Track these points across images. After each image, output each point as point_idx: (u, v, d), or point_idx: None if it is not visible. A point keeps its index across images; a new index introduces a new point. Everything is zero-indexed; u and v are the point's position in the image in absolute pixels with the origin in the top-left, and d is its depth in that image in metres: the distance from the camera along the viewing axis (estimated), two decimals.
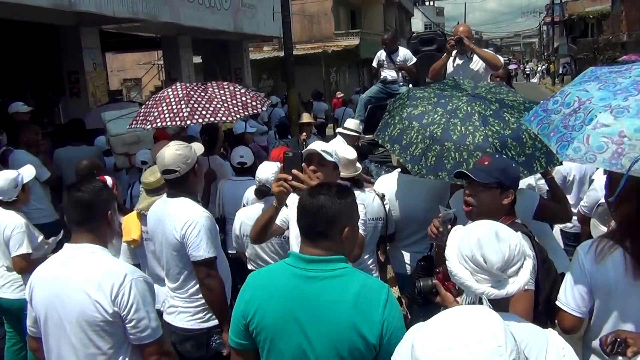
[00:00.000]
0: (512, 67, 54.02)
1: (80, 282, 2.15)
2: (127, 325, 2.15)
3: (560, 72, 39.88)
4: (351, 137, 5.65)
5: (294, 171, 2.51)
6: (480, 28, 60.85)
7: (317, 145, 2.75)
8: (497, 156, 2.66)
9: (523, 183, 3.54)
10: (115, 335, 2.17)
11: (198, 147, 3.15)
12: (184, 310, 2.95)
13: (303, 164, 2.55)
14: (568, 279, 2.22)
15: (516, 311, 1.88)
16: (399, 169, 3.82)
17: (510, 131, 3.02)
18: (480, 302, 1.62)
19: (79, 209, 2.24)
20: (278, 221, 2.92)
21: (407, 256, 3.68)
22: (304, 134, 7.68)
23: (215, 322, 2.91)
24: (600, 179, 3.77)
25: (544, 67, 51.82)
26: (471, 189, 2.46)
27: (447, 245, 1.71)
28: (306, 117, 8.33)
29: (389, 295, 1.86)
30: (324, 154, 2.68)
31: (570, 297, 2.18)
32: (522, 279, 1.62)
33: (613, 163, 1.84)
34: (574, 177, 4.43)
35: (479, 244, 1.61)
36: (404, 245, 3.71)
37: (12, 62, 11.04)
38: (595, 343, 2.08)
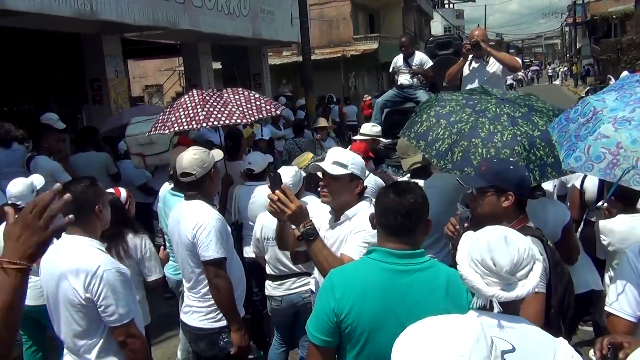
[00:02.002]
0: (534, 68, 53.65)
1: (64, 269, 2.46)
2: (99, 310, 2.43)
3: (583, 73, 39.35)
4: (368, 141, 5.68)
5: (277, 192, 2.54)
6: (501, 30, 60.60)
7: (329, 158, 2.71)
8: (495, 160, 2.69)
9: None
10: (91, 316, 2.46)
11: (217, 154, 3.29)
12: (197, 310, 3.06)
13: (285, 185, 2.60)
14: (618, 283, 2.18)
15: (527, 314, 1.90)
16: (408, 175, 3.85)
17: (539, 132, 3.03)
18: (491, 305, 1.65)
19: (69, 205, 2.42)
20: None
21: None
22: (319, 135, 7.85)
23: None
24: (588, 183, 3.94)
25: (566, 68, 51.17)
26: (471, 195, 2.53)
27: (457, 250, 1.75)
28: (322, 122, 8.48)
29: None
30: (331, 169, 2.65)
31: (624, 301, 2.15)
32: (531, 282, 1.64)
33: (607, 173, 1.93)
34: (573, 186, 4.39)
35: (488, 248, 1.64)
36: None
37: (37, 71, 11.30)
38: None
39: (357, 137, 5.98)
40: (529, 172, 2.82)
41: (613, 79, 7.90)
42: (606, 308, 2.22)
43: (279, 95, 15.62)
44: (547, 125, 3.01)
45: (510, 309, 1.70)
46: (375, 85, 25.82)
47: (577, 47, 45.06)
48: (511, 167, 2.53)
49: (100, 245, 2.58)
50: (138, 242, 3.50)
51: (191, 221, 2.94)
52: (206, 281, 2.97)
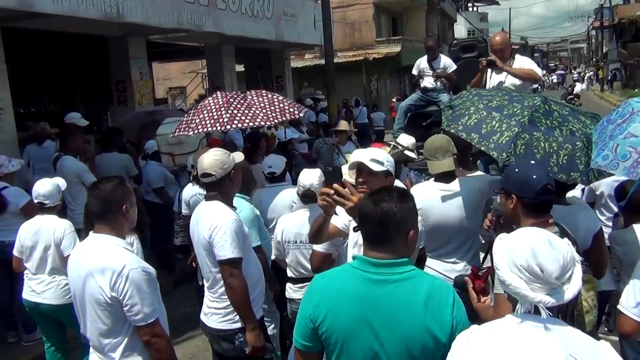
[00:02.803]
0: (559, 72, 52.88)
1: (91, 267, 2.48)
2: (124, 309, 2.44)
3: (610, 78, 38.67)
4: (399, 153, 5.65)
5: (335, 186, 2.57)
6: (525, 33, 59.80)
7: (365, 155, 2.76)
8: (514, 161, 2.67)
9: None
10: (116, 315, 2.46)
11: (238, 156, 3.32)
12: (215, 312, 3.08)
13: (345, 179, 2.60)
14: (635, 283, 2.21)
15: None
16: (432, 178, 3.80)
17: (591, 130, 2.98)
18: (537, 311, 1.60)
19: (97, 203, 2.57)
20: (340, 224, 2.96)
21: (439, 265, 3.58)
22: (337, 139, 7.81)
23: None
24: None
25: (592, 73, 50.34)
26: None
27: (494, 254, 1.69)
28: (343, 125, 8.43)
29: (455, 295, 1.92)
30: (371, 165, 2.71)
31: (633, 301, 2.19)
32: (575, 285, 1.59)
33: (631, 171, 1.89)
34: (602, 193, 4.29)
35: (533, 253, 1.59)
36: (436, 255, 3.60)
37: (64, 72, 11.52)
38: None
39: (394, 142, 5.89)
40: (588, 168, 2.77)
41: None
42: (619, 307, 2.25)
43: (309, 96, 15.69)
44: (593, 123, 3.01)
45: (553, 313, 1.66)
46: (397, 88, 25.72)
47: (604, 51, 44.30)
48: (516, 170, 2.51)
49: (126, 244, 2.60)
50: (128, 238, 3.64)
51: (208, 221, 2.97)
52: (222, 281, 2.99)
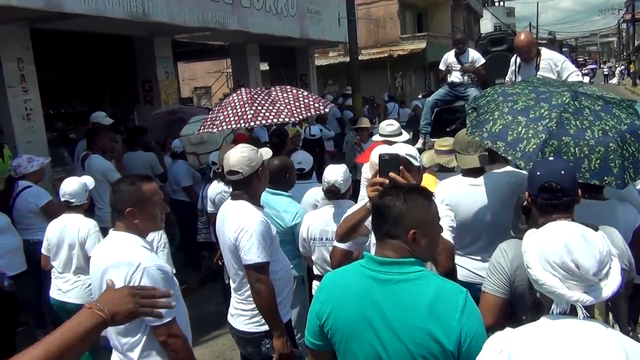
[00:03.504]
0: (591, 67, 51.83)
1: (106, 264, 2.44)
2: None
3: None
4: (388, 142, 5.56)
5: (392, 174, 2.43)
6: (553, 28, 58.60)
7: (401, 149, 2.71)
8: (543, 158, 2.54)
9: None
10: None
11: (265, 152, 3.20)
12: (242, 313, 3.02)
13: (401, 167, 2.47)
14: None
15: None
16: (460, 173, 3.68)
17: (625, 126, 2.81)
18: (573, 310, 1.48)
19: (114, 201, 2.54)
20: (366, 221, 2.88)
21: (468, 263, 3.47)
22: (358, 136, 7.73)
23: None
24: None
25: (623, 67, 49.11)
26: None
27: (524, 252, 1.59)
28: (364, 122, 8.40)
29: (467, 300, 1.79)
30: (410, 159, 2.67)
31: None
32: (614, 281, 1.48)
33: None
34: None
35: (567, 249, 1.48)
36: (465, 252, 3.48)
37: (92, 73, 11.66)
38: None
39: (376, 137, 5.77)
40: (624, 170, 2.63)
41: None
42: None
43: (343, 92, 15.58)
44: (629, 117, 2.83)
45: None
46: (422, 85, 25.45)
47: (636, 44, 43.15)
48: (530, 164, 2.43)
49: (145, 242, 2.55)
50: (156, 235, 3.72)
51: (234, 223, 2.88)
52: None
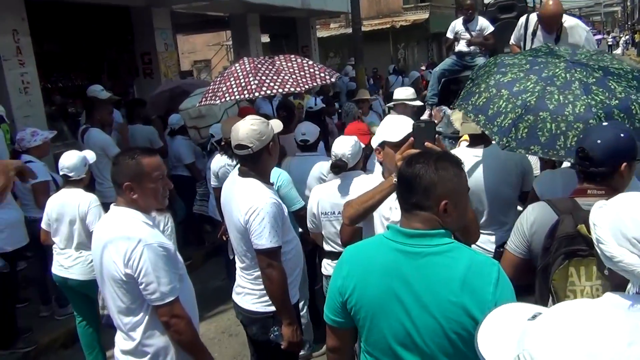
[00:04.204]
0: (597, 37, 51.23)
1: (106, 240, 2.34)
2: (140, 287, 2.28)
3: None
4: (403, 106, 5.47)
5: (428, 144, 2.26)
6: None
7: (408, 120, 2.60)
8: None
9: None
10: (134, 293, 2.30)
11: (276, 125, 2.94)
12: (250, 292, 2.88)
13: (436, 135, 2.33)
14: None
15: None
16: (466, 143, 3.55)
17: (617, 101, 2.63)
18: None
19: (114, 175, 2.42)
20: None
21: (484, 239, 3.29)
22: (360, 110, 7.51)
23: None
24: None
25: (628, 37, 48.40)
26: None
27: (595, 225, 1.40)
28: (364, 94, 8.11)
29: (500, 272, 1.71)
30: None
31: None
32: None
33: None
34: None
35: None
36: None
37: (89, 46, 11.43)
38: None
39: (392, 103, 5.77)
40: None
41: None
42: None
43: (349, 63, 15.29)
44: (625, 91, 2.64)
45: None
46: (425, 57, 25.08)
47: None
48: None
49: (147, 218, 2.41)
50: (162, 219, 3.60)
51: (244, 204, 2.69)
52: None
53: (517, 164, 3.26)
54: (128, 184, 2.35)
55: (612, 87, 2.70)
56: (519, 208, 3.55)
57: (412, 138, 2.31)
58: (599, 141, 2.18)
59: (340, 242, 3.38)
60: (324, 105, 7.87)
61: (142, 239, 2.26)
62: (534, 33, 4.98)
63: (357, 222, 2.71)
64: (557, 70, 2.81)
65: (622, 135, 2.18)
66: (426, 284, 1.68)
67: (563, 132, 2.59)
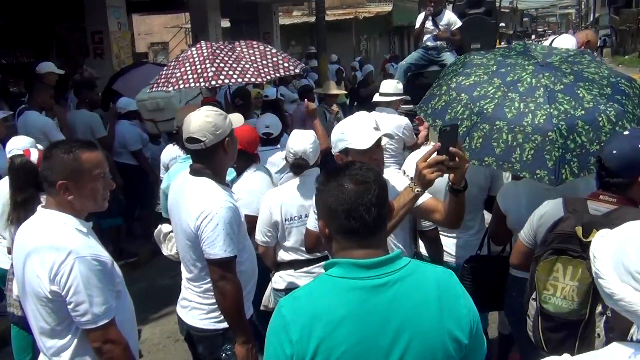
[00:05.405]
0: (552, 38, 52.86)
1: (31, 251, 2.02)
2: (68, 307, 1.97)
3: (600, 44, 38.23)
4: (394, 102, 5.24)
5: (454, 150, 2.08)
6: None
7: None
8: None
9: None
10: (59, 314, 2.00)
11: (236, 119, 2.62)
12: (197, 307, 2.55)
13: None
14: None
15: None
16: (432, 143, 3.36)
17: (582, 112, 2.43)
18: None
19: (44, 171, 2.09)
20: None
21: (448, 243, 3.20)
22: (335, 107, 7.13)
23: None
24: None
25: None
26: None
27: (595, 258, 1.23)
28: (332, 87, 7.59)
29: (457, 280, 1.58)
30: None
31: None
32: None
33: None
34: None
35: None
36: (442, 231, 3.13)
37: (37, 22, 10.78)
38: None
39: (378, 98, 5.48)
40: (564, 164, 2.34)
41: None
42: None
43: (307, 55, 14.86)
44: (594, 100, 2.46)
45: None
46: (387, 49, 25.03)
47: (595, 16, 43.76)
48: None
49: (81, 224, 2.08)
50: None
51: (195, 208, 2.38)
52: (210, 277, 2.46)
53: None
54: (63, 182, 2.01)
55: (581, 95, 2.51)
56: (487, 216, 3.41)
57: (438, 143, 2.11)
58: (614, 151, 2.15)
59: (302, 252, 3.09)
60: (282, 96, 7.52)
61: (73, 250, 1.94)
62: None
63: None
64: (524, 74, 2.63)
65: (632, 145, 2.13)
66: (403, 315, 1.44)
67: (519, 144, 2.42)
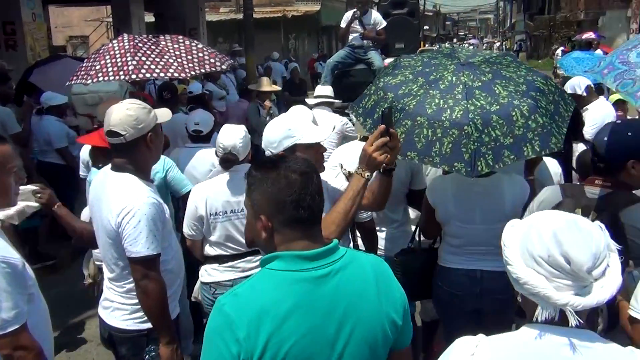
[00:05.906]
0: (473, 41, 55.03)
1: None
2: None
3: (516, 48, 40.24)
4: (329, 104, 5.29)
5: (392, 130, 2.19)
6: (438, 0, 60.63)
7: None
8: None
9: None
10: None
11: (162, 114, 2.51)
12: (120, 307, 2.45)
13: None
14: None
15: None
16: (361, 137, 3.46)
17: (497, 107, 2.55)
18: (563, 317, 1.19)
19: None
20: None
21: (381, 235, 3.25)
22: (267, 103, 7.07)
23: None
24: None
25: (499, 43, 52.37)
26: None
27: (505, 246, 1.29)
28: (266, 84, 7.47)
29: (388, 266, 1.64)
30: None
31: None
32: (613, 282, 1.20)
33: None
34: None
35: (556, 240, 1.20)
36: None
37: None
38: None
39: (311, 100, 5.49)
40: (479, 156, 2.44)
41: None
42: (630, 312, 1.88)
43: (232, 53, 14.63)
44: (510, 96, 2.59)
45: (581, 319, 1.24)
46: (315, 48, 25.20)
47: (512, 22, 46.03)
48: None
49: None
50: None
51: (116, 204, 2.28)
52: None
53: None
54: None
55: (497, 91, 2.63)
56: (411, 211, 3.51)
57: (383, 125, 2.17)
58: (605, 138, 2.32)
59: (232, 245, 3.04)
60: (209, 92, 7.39)
61: None
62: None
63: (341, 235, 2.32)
64: (445, 72, 2.75)
65: (629, 133, 2.31)
66: (347, 306, 1.46)
67: (439, 139, 2.52)
